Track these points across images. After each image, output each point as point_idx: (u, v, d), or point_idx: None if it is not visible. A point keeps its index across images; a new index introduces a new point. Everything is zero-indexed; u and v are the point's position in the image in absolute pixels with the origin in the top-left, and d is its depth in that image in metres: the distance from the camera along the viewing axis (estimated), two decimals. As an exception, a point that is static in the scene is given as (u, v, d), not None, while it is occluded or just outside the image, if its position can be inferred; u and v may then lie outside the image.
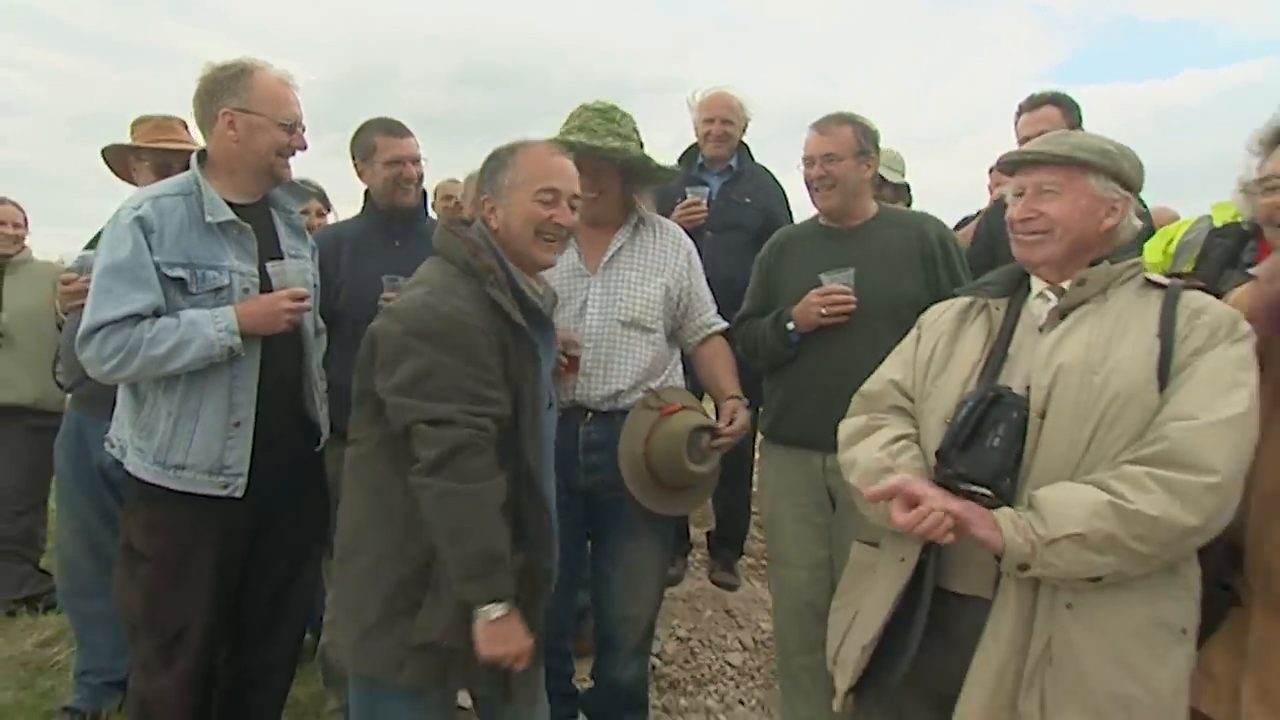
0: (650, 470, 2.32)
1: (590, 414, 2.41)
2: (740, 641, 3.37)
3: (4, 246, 3.84)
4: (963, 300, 1.88)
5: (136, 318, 2.00)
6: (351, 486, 1.88)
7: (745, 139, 3.74)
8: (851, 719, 1.90)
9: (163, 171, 2.75)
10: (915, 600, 1.71)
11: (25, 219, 3.97)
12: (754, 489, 3.68)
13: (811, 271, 2.50)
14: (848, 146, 2.52)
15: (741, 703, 3.14)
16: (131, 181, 2.96)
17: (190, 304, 2.06)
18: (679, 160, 3.69)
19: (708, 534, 3.86)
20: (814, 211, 2.69)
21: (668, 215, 2.95)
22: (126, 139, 2.89)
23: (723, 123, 3.61)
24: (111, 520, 2.88)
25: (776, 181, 3.75)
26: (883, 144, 2.65)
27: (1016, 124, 3.21)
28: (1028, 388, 1.64)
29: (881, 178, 3.53)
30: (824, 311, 2.44)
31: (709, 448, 2.37)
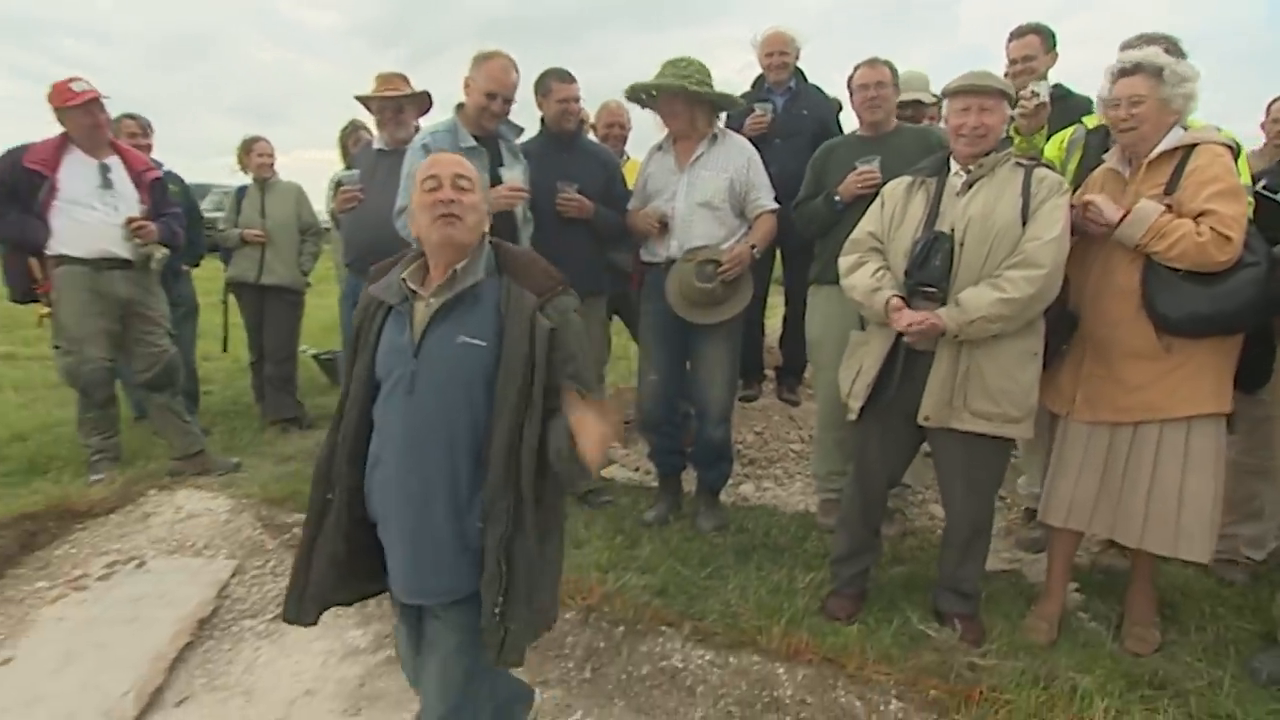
0: (682, 293, 3.49)
1: (675, 262, 3.54)
2: (800, 437, 4.64)
3: (265, 172, 5.28)
4: (907, 178, 2.89)
5: None
6: None
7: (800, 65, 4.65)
8: (856, 433, 3.10)
9: (378, 110, 4.13)
10: (895, 357, 2.81)
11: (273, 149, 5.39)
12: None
13: (848, 165, 3.50)
14: (890, 81, 3.53)
15: (799, 475, 4.43)
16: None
17: None
18: (751, 86, 4.63)
19: (776, 368, 5.07)
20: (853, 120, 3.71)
21: (743, 123, 4.13)
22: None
23: (780, 54, 4.53)
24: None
25: (825, 95, 4.70)
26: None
27: (1007, 47, 4.19)
28: (952, 229, 2.72)
29: (918, 100, 4.23)
30: (859, 185, 3.43)
31: (715, 274, 3.40)
